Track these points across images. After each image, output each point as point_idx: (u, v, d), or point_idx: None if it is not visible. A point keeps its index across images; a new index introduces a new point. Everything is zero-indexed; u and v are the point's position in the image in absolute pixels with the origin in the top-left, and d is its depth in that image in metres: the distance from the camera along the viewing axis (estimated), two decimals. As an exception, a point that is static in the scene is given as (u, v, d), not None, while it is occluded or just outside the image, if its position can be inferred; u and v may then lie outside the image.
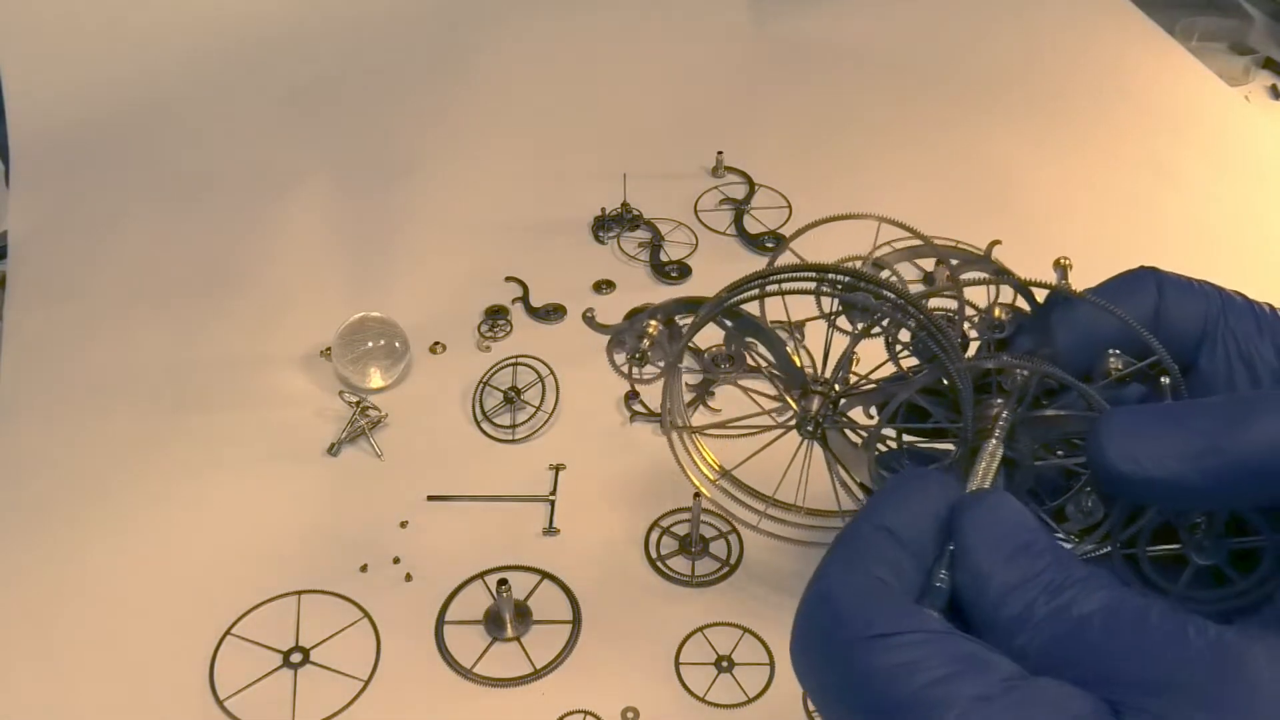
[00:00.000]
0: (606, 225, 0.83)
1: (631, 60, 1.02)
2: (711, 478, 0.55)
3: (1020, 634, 0.31)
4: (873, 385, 0.48)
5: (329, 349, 0.71)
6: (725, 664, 0.56)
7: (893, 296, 0.44)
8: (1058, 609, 0.30)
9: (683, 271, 0.80)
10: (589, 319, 0.51)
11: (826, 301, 0.47)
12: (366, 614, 0.58)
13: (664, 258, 0.81)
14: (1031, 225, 0.84)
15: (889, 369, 0.48)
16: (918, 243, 0.51)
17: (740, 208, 0.86)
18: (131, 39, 0.96)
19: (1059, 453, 0.43)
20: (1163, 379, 0.41)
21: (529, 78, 1.00)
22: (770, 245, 0.82)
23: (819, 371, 0.48)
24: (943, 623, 0.31)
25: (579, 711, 0.54)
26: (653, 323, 0.50)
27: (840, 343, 0.47)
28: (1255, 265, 0.80)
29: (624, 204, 0.84)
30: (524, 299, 0.77)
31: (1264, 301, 0.42)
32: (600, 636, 0.57)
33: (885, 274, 0.46)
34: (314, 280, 0.79)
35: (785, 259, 0.50)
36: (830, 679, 0.31)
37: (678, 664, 0.56)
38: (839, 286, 0.45)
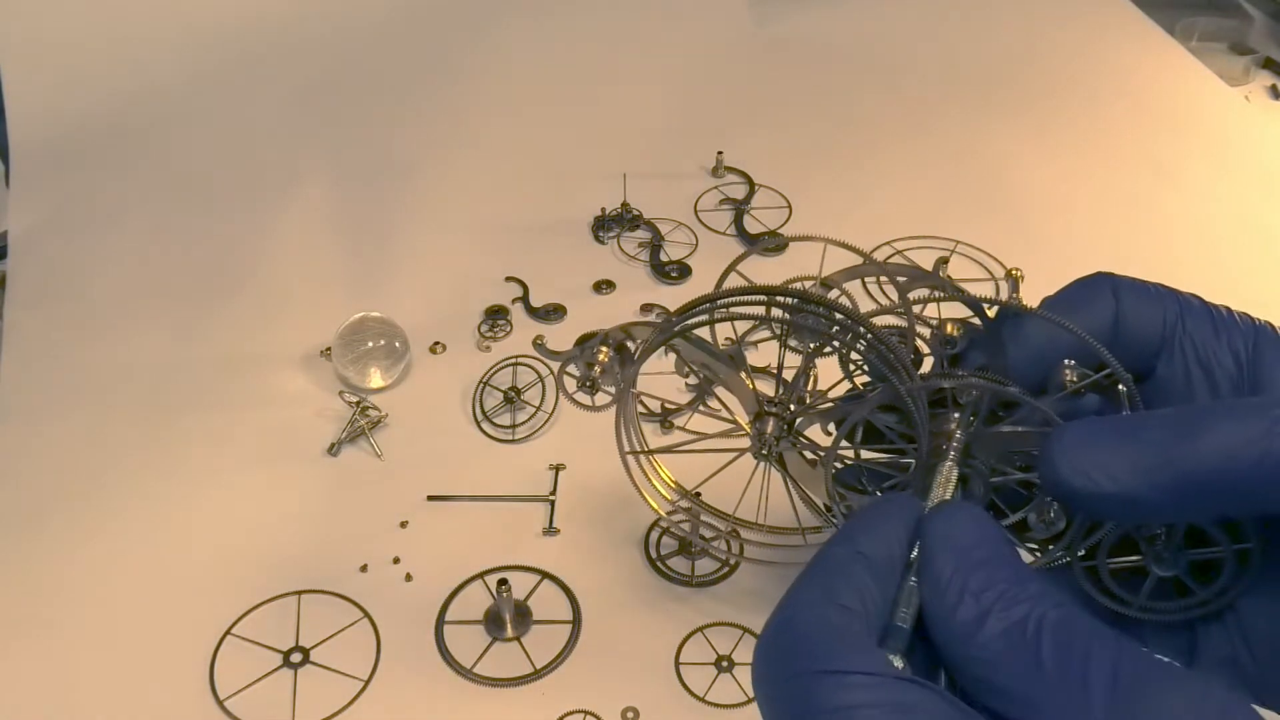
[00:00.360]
0: (606, 225, 0.83)
1: (631, 60, 1.02)
2: (670, 499, 0.55)
3: (973, 642, 0.30)
4: (829, 404, 0.47)
5: (329, 349, 0.71)
6: (725, 664, 0.56)
7: (841, 317, 0.44)
8: (1012, 622, 0.30)
9: (683, 271, 0.80)
10: (539, 345, 0.51)
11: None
12: (366, 614, 0.58)
13: (664, 258, 0.81)
14: (1031, 224, 0.84)
15: (845, 386, 0.48)
16: (861, 261, 0.50)
17: (740, 208, 0.86)
18: (132, 40, 0.96)
19: (1017, 465, 0.43)
20: (1120, 387, 0.41)
21: (529, 78, 1.00)
22: (770, 246, 0.82)
23: (775, 393, 0.48)
24: (894, 667, 0.31)
25: (579, 711, 0.54)
26: (603, 349, 0.49)
27: (794, 361, 0.47)
28: (1255, 265, 0.80)
29: (624, 204, 0.84)
30: (524, 299, 0.77)
31: (1220, 304, 0.42)
32: (600, 636, 0.57)
33: (834, 293, 0.46)
34: (314, 280, 0.79)
35: (733, 281, 0.49)
36: (781, 706, 0.30)
37: (678, 664, 0.56)
38: (787, 309, 0.45)
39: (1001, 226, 0.83)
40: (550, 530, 0.62)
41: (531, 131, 0.94)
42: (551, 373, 0.71)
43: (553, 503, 0.64)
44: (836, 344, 0.45)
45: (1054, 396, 0.42)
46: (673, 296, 0.77)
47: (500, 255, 0.81)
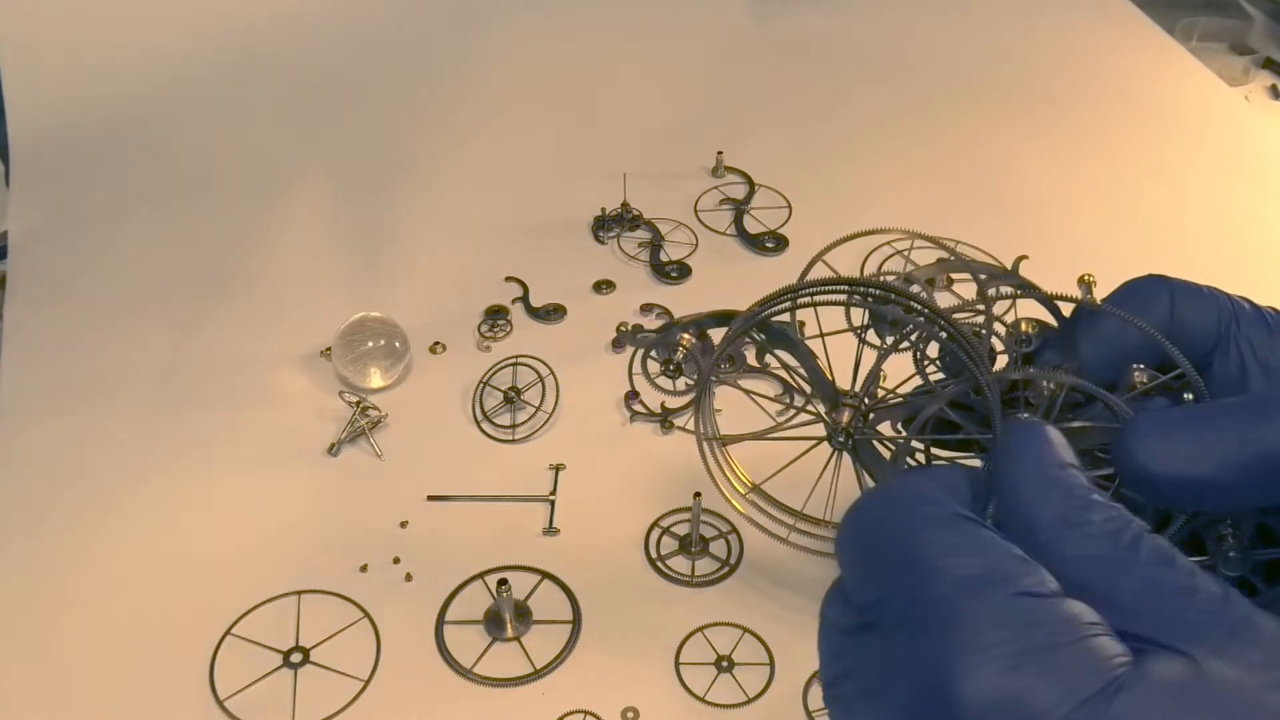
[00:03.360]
0: (606, 225, 0.83)
1: (631, 60, 1.02)
2: (742, 491, 0.55)
3: (1071, 541, 0.30)
4: (900, 399, 0.48)
5: (329, 349, 0.71)
6: (725, 664, 0.56)
7: (922, 309, 0.45)
8: (1106, 532, 0.30)
9: (683, 271, 0.80)
10: (625, 333, 0.52)
11: (855, 317, 0.48)
12: (366, 614, 0.58)
13: (664, 258, 0.81)
14: (1031, 224, 0.84)
15: (915, 384, 0.48)
16: (945, 256, 0.51)
17: (740, 208, 0.86)
18: (132, 40, 0.96)
19: (1086, 463, 0.43)
20: (1186, 395, 0.42)
21: (529, 78, 1.00)
22: (770, 245, 0.82)
23: (851, 385, 0.48)
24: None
25: (579, 711, 0.54)
26: (685, 335, 0.50)
27: (869, 358, 0.48)
28: (1255, 265, 0.80)
29: (624, 204, 0.84)
30: (524, 299, 0.77)
31: (1268, 306, 0.43)
32: (600, 636, 0.57)
33: (915, 288, 0.47)
34: (314, 280, 0.79)
35: (818, 271, 0.50)
36: (890, 551, 0.31)
37: (678, 664, 0.56)
38: (870, 300, 0.46)
39: (1001, 226, 0.83)
40: (550, 530, 0.62)
41: (532, 131, 0.94)
42: (552, 372, 0.71)
43: (553, 503, 0.64)
44: (914, 338, 0.46)
45: (1125, 397, 0.42)
46: (673, 296, 0.77)
47: (500, 255, 0.81)
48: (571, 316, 0.76)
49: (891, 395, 0.48)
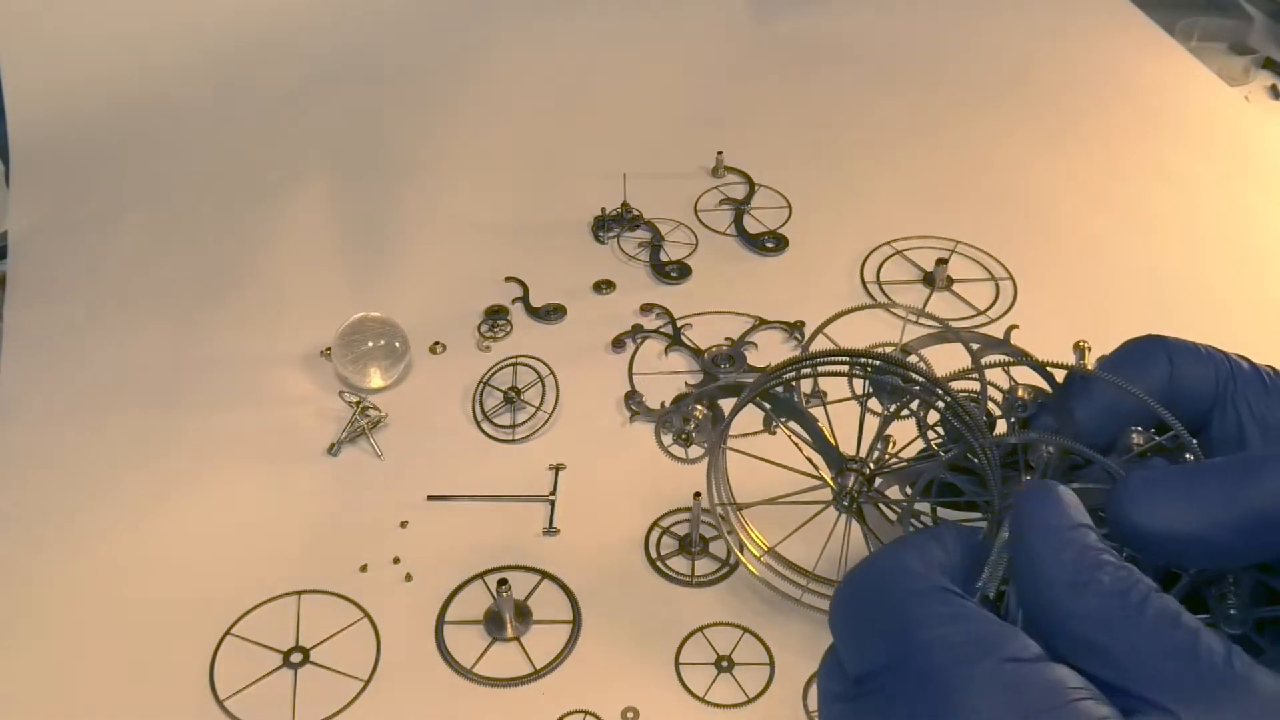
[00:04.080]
0: (606, 225, 0.83)
1: (631, 60, 1.02)
2: (758, 554, 0.57)
3: (1079, 601, 0.31)
4: (904, 463, 0.50)
5: (329, 349, 0.71)
6: (725, 664, 0.56)
7: (920, 379, 0.47)
8: (1115, 590, 0.31)
9: (683, 271, 0.80)
10: (636, 402, 0.55)
11: (859, 386, 0.50)
12: (366, 614, 0.58)
13: (664, 258, 0.81)
14: (1031, 224, 0.84)
15: (918, 447, 0.50)
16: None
17: (740, 208, 0.86)
18: (132, 40, 0.96)
19: None
20: (1186, 455, 0.43)
21: (529, 78, 1.00)
22: (770, 245, 0.82)
23: (856, 450, 0.51)
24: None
25: (579, 711, 0.54)
26: (699, 406, 0.53)
27: (873, 423, 0.50)
28: (1255, 266, 0.80)
29: (624, 204, 0.84)
30: (524, 299, 0.77)
31: (1266, 365, 0.44)
32: (600, 636, 0.57)
33: (912, 358, 0.49)
34: (314, 280, 0.79)
35: (819, 343, 0.52)
36: (880, 624, 0.33)
37: (678, 664, 0.56)
38: (870, 370, 0.48)
39: (1001, 226, 0.83)
40: (550, 530, 0.62)
41: (532, 131, 0.94)
42: (552, 372, 0.71)
43: (553, 503, 0.64)
44: (915, 405, 0.48)
45: (1123, 458, 0.44)
46: (673, 296, 0.77)
47: (500, 255, 0.81)
48: (571, 316, 0.76)
49: (895, 459, 0.50)
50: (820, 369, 0.49)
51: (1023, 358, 0.49)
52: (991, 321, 0.75)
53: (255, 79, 0.98)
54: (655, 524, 0.62)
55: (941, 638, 0.31)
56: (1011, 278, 0.79)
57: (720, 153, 0.89)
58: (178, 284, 0.79)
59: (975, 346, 0.49)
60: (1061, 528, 0.33)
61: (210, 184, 0.88)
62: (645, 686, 0.55)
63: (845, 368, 0.49)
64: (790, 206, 0.86)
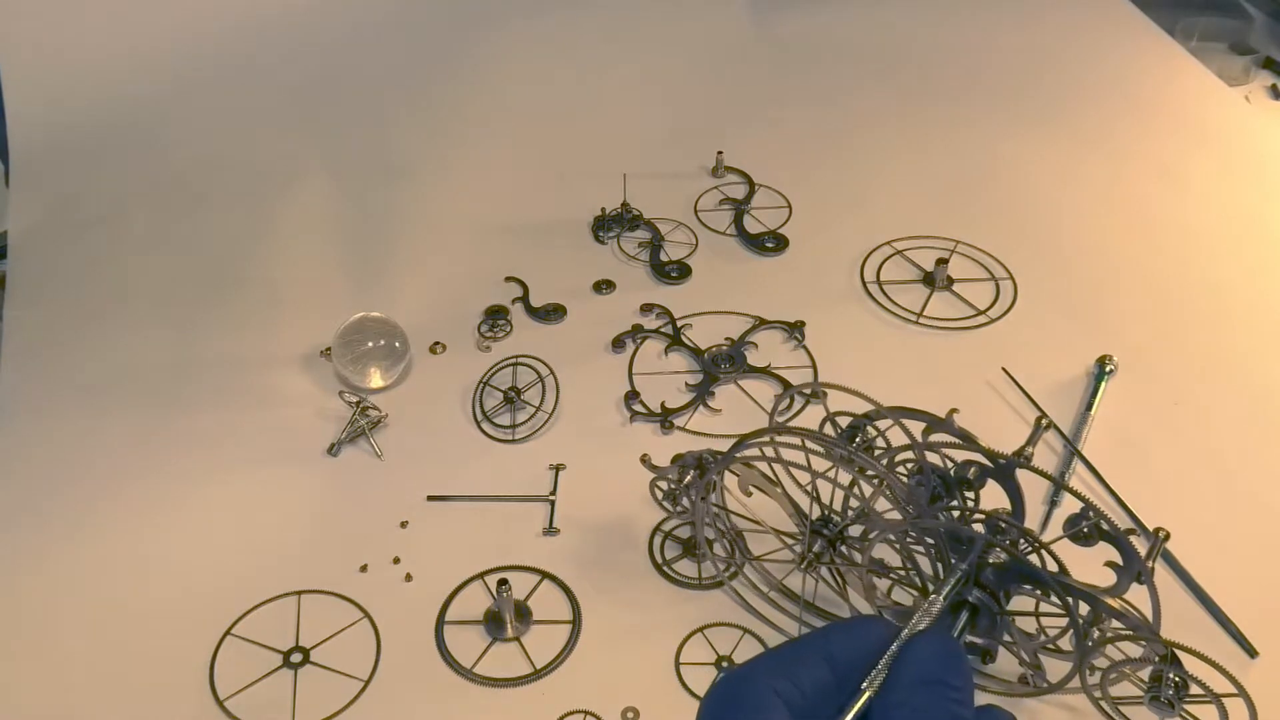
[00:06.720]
0: (606, 225, 0.83)
1: (631, 60, 1.02)
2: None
3: None
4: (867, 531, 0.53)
5: (329, 349, 0.71)
6: (725, 664, 0.56)
7: (863, 456, 0.51)
8: None
9: (683, 271, 0.80)
10: (647, 462, 0.59)
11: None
12: (366, 614, 0.58)
13: (664, 258, 0.81)
14: (1031, 224, 0.84)
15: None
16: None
17: (740, 208, 0.86)
18: (131, 40, 0.96)
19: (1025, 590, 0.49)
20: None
21: (529, 78, 1.00)
22: (770, 245, 0.82)
23: (825, 512, 0.55)
24: None
25: (579, 711, 0.54)
26: (684, 470, 0.57)
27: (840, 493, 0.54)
28: (1254, 265, 0.80)
29: (624, 204, 0.84)
30: (524, 299, 0.77)
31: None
32: (600, 636, 0.57)
33: (881, 422, 0.54)
34: (314, 280, 0.79)
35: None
36: None
37: (678, 664, 0.56)
38: (821, 447, 0.52)
39: (1001, 226, 0.83)
40: (550, 530, 0.62)
41: (531, 131, 0.94)
42: (552, 372, 0.71)
43: (553, 503, 0.64)
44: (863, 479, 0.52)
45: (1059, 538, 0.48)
46: (673, 296, 0.77)
47: (500, 255, 0.81)
48: (571, 316, 0.76)
49: (856, 523, 0.54)
50: (778, 443, 0.53)
51: (966, 441, 0.50)
52: (992, 321, 0.75)
53: (255, 79, 0.98)
54: (658, 528, 0.62)
55: None
56: (1011, 278, 0.79)
57: (720, 153, 0.89)
58: (178, 284, 0.79)
59: (922, 427, 0.51)
60: (918, 679, 0.34)
61: (210, 184, 0.88)
62: (645, 686, 0.55)
63: (798, 441, 0.51)
64: (790, 206, 0.86)
